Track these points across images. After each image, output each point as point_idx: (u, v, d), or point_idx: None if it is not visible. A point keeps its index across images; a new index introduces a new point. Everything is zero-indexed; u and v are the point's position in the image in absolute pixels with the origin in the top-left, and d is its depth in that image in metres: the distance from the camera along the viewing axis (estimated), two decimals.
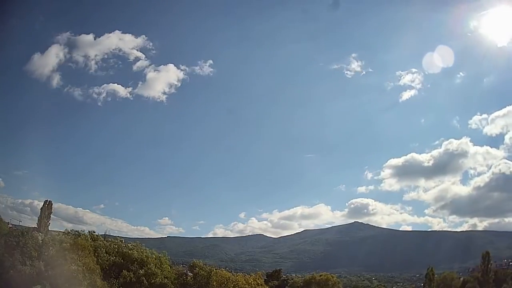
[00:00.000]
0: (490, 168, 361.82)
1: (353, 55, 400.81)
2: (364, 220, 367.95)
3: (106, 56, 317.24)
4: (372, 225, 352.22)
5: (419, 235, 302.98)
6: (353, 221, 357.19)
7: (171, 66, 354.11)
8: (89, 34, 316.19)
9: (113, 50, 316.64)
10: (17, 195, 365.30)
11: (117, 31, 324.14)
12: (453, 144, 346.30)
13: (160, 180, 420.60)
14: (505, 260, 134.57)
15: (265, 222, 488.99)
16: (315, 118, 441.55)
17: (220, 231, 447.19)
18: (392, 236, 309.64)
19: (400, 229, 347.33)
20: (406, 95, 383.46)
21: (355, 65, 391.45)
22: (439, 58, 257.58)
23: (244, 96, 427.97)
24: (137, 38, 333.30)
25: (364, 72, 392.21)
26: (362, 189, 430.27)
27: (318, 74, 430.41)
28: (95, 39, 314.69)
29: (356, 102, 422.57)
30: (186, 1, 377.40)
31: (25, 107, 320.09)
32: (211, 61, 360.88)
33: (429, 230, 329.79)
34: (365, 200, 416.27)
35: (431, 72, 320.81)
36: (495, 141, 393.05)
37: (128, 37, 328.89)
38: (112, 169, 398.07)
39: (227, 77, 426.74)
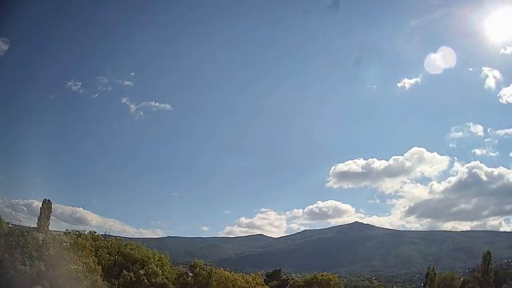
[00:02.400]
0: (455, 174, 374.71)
1: (353, 56, 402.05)
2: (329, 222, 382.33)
3: None
4: (372, 225, 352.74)
5: (419, 235, 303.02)
6: (353, 221, 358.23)
7: None
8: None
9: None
10: (12, 195, 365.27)
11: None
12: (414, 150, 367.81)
13: (160, 182, 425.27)
14: (505, 260, 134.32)
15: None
16: (303, 126, 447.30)
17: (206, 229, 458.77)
18: (392, 236, 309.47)
19: (401, 229, 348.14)
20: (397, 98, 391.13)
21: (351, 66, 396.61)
22: (441, 59, 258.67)
23: (242, 95, 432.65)
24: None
25: (360, 75, 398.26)
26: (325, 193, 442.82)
27: (312, 78, 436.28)
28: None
29: (345, 108, 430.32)
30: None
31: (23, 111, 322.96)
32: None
33: (429, 230, 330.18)
34: (331, 203, 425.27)
35: (433, 73, 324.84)
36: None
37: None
38: (113, 170, 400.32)
39: (226, 77, 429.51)
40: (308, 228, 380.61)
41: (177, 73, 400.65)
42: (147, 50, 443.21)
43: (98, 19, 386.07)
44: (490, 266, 70.31)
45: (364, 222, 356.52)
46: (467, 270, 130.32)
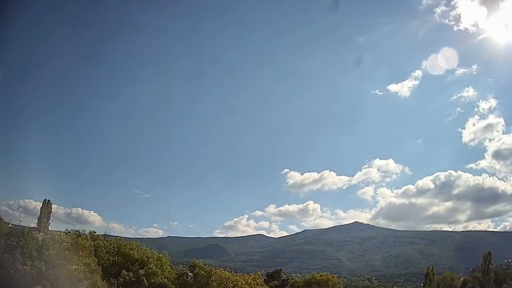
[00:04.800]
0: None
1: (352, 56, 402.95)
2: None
3: None
4: (372, 225, 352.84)
5: (419, 235, 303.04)
6: (353, 221, 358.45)
7: None
8: None
9: None
10: (9, 195, 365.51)
11: None
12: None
13: (160, 182, 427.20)
14: (506, 260, 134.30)
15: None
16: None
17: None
18: (392, 236, 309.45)
19: (401, 229, 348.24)
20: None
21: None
22: (443, 60, 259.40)
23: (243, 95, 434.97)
24: None
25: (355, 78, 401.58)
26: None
27: (311, 79, 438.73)
28: None
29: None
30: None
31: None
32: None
33: (430, 230, 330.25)
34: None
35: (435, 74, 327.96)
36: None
37: None
38: (112, 172, 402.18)
39: (225, 79, 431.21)
40: (308, 229, 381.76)
41: (175, 75, 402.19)
42: (146, 52, 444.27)
43: (98, 20, 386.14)
44: (490, 266, 70.39)
45: (364, 222, 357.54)
46: (467, 270, 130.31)
